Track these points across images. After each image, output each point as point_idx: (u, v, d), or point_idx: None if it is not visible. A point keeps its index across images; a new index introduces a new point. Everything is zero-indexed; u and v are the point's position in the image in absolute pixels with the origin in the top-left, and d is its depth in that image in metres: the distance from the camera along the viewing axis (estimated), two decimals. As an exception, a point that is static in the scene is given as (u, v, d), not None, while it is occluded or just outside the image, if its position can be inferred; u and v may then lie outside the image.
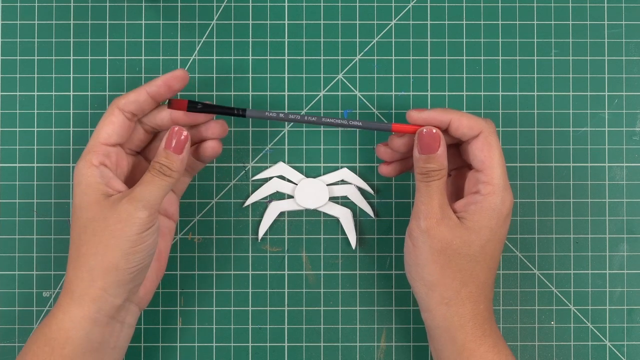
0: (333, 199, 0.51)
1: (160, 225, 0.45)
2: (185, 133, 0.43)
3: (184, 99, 0.44)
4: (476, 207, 0.43)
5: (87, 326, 0.41)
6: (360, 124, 0.45)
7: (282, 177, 0.51)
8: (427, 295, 0.43)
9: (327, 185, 0.51)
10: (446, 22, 0.51)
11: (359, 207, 0.51)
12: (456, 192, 0.47)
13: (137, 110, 0.44)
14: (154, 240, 0.43)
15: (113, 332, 0.43)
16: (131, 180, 0.45)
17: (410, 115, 0.44)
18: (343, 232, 0.51)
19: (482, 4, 0.52)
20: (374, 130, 0.45)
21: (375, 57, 0.51)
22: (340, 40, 0.51)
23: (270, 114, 0.45)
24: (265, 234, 0.51)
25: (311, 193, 0.51)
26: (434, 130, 0.43)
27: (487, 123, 0.43)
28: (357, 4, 0.51)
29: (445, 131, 0.44)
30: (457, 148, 0.46)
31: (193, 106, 0.44)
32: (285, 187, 0.51)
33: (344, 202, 0.51)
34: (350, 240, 0.51)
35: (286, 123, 0.51)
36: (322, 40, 0.51)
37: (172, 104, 0.44)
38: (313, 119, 0.45)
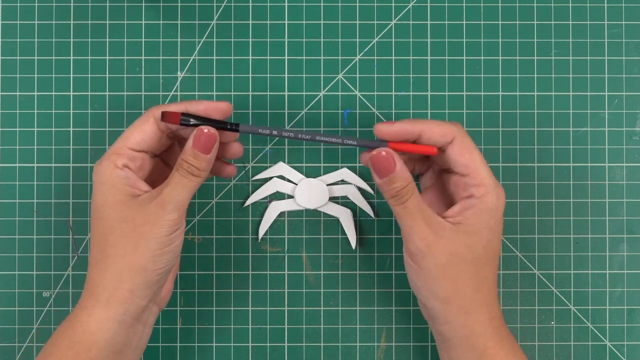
0: (333, 199, 0.51)
1: None
2: (213, 131, 0.42)
3: (177, 111, 0.43)
4: (474, 210, 0.42)
5: (113, 328, 0.41)
6: (355, 142, 0.43)
7: (282, 177, 0.51)
8: (444, 310, 0.42)
9: (327, 185, 0.51)
10: (446, 22, 0.51)
11: (359, 207, 0.51)
12: (441, 198, 0.46)
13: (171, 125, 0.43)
14: (180, 241, 0.43)
15: (136, 333, 0.43)
16: (150, 182, 0.45)
17: (378, 129, 0.43)
18: (343, 232, 0.51)
19: (482, 4, 0.52)
20: (369, 147, 0.43)
21: (375, 57, 0.51)
22: (340, 40, 0.51)
23: (264, 130, 0.43)
24: (265, 234, 0.51)
25: (311, 193, 0.51)
26: (383, 153, 0.42)
27: (456, 126, 0.43)
28: (357, 4, 0.52)
29: (415, 141, 0.43)
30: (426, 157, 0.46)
31: (186, 120, 0.43)
32: (285, 187, 0.51)
33: (344, 202, 0.51)
34: (350, 240, 0.51)
35: (286, 123, 0.51)
36: (322, 40, 0.51)
37: (165, 116, 0.42)
38: (307, 136, 0.43)
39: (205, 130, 0.42)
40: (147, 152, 0.44)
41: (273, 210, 0.51)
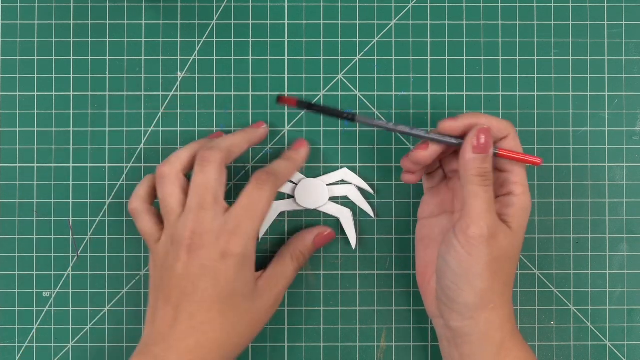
0: (333, 199, 0.51)
1: None
2: (329, 231, 0.50)
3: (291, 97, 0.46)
4: (514, 209, 0.43)
5: None
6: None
7: (282, 177, 0.51)
8: (475, 303, 0.42)
9: (327, 185, 0.51)
10: (446, 22, 0.51)
11: (359, 207, 0.51)
12: (443, 200, 0.47)
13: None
14: None
15: None
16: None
17: (444, 126, 0.43)
18: (343, 232, 0.51)
19: (482, 4, 0.52)
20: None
21: (375, 57, 0.51)
22: (340, 40, 0.51)
23: (379, 122, 0.45)
24: (265, 234, 0.51)
25: (311, 193, 0.51)
26: (486, 129, 0.43)
27: (510, 124, 0.44)
28: (357, 4, 0.51)
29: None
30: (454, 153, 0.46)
31: (301, 104, 0.45)
32: (285, 187, 0.51)
33: (344, 202, 0.51)
34: (350, 240, 0.51)
35: (286, 123, 0.51)
36: (322, 40, 0.51)
37: (281, 100, 0.46)
38: (420, 132, 0.44)
39: (326, 233, 0.49)
40: None
41: (273, 211, 0.51)
